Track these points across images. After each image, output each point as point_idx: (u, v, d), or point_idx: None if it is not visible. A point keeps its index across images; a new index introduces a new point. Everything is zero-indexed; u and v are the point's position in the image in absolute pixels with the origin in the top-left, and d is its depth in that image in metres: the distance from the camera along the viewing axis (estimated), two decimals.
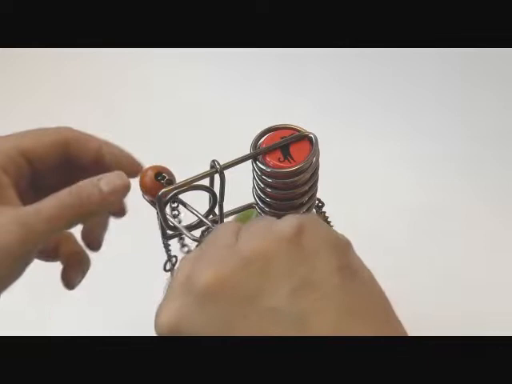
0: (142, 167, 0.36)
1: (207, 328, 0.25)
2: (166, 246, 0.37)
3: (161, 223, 0.32)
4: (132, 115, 0.75)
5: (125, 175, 0.32)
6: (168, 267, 0.39)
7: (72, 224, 0.32)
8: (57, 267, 0.43)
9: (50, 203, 0.31)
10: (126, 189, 0.32)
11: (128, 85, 0.81)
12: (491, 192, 0.68)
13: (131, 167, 0.35)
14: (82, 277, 0.38)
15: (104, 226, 0.40)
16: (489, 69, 0.71)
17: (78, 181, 0.37)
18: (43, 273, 0.38)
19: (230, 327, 0.25)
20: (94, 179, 0.32)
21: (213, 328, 0.25)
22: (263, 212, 0.34)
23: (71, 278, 0.38)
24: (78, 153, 0.35)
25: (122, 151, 0.36)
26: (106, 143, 0.36)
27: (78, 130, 0.35)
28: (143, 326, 0.54)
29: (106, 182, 0.32)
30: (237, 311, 0.25)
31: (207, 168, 0.32)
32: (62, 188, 0.38)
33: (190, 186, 0.31)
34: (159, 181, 0.33)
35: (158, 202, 0.31)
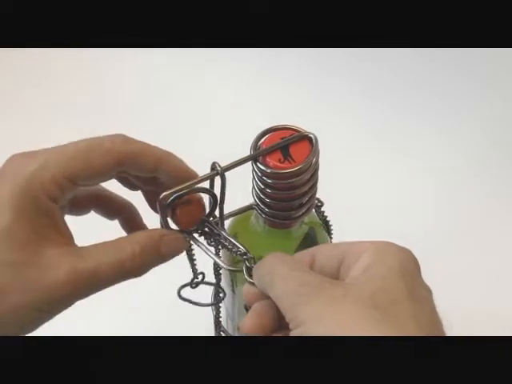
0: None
1: None
2: None
3: (161, 226, 0.32)
4: (132, 116, 0.75)
5: (186, 242, 0.33)
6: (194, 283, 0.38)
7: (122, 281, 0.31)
8: None
9: (111, 262, 0.30)
10: (181, 253, 0.33)
11: (128, 85, 0.81)
12: (496, 194, 0.68)
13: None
14: None
15: None
16: (491, 70, 0.71)
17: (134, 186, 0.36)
18: None
19: None
20: (156, 235, 0.31)
21: None
22: (263, 213, 0.34)
23: None
24: (132, 170, 0.32)
25: (181, 165, 0.33)
26: (167, 155, 0.32)
27: (134, 143, 0.32)
28: (143, 326, 0.54)
29: (166, 243, 0.32)
30: None
31: (207, 170, 0.32)
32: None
33: (191, 188, 0.31)
34: None
35: (159, 206, 0.31)
